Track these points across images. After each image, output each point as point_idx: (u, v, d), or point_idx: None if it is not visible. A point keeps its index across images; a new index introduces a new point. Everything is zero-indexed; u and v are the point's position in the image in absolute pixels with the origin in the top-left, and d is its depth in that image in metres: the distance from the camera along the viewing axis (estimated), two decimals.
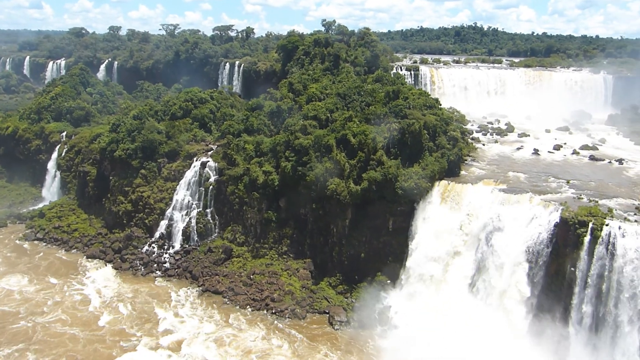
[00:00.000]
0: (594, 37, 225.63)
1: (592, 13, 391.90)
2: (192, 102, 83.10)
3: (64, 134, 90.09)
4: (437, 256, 55.24)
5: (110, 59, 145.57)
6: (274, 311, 58.21)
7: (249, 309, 58.89)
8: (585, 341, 46.17)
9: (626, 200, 51.74)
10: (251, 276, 63.08)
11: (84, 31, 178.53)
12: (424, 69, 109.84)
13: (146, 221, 71.91)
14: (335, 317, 56.58)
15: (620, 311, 44.76)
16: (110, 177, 75.97)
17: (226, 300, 60.68)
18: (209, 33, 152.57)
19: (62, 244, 73.95)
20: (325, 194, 60.16)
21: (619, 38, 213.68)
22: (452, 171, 60.83)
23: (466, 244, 54.33)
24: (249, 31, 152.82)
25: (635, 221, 45.93)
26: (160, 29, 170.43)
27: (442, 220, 55.94)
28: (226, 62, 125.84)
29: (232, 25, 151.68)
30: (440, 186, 58.28)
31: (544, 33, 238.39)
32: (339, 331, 55.26)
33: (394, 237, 59.42)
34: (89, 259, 69.93)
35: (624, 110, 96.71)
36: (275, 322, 56.72)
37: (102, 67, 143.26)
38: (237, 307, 59.32)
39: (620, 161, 67.16)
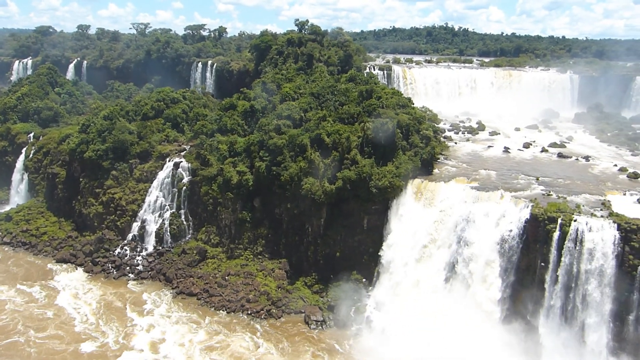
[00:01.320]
0: (560, 37, 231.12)
1: (559, 14, 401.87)
2: (164, 102, 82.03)
3: (32, 135, 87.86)
4: (412, 253, 55.76)
5: (79, 59, 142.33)
6: (249, 312, 57.92)
7: (224, 311, 58.43)
8: (555, 334, 47.31)
9: (593, 196, 53.15)
10: (226, 277, 62.61)
11: (51, 30, 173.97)
12: (396, 69, 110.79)
13: (118, 223, 70.64)
14: (311, 316, 56.62)
15: (587, 305, 46.03)
16: (81, 179, 74.38)
17: (201, 302, 60.09)
18: (181, 32, 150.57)
19: (30, 248, 72.09)
20: (300, 193, 60.14)
21: (584, 39, 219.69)
22: (425, 169, 61.48)
23: (440, 241, 54.96)
24: (221, 30, 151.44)
25: (602, 216, 47.25)
26: (130, 28, 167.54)
27: (416, 218, 56.53)
28: (199, 62, 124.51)
29: (205, 25, 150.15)
30: (413, 184, 58.88)
31: (513, 33, 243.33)
32: (315, 331, 55.33)
33: (368, 235, 59.77)
34: (59, 263, 68.34)
35: (589, 109, 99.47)
36: (251, 323, 56.42)
37: (71, 66, 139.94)
38: (212, 309, 58.81)
39: (586, 158, 68.97)
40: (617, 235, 45.19)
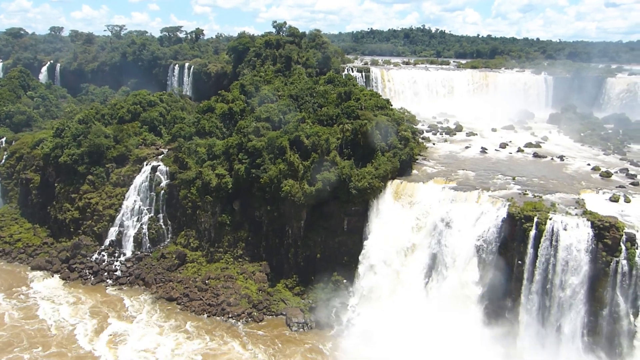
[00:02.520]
0: (535, 39, 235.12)
1: (533, 17, 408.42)
2: (141, 105, 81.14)
3: (4, 139, 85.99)
4: (392, 254, 56.10)
5: (52, 61, 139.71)
6: (230, 316, 57.56)
7: (205, 315, 57.95)
8: (533, 329, 48.14)
9: (567, 195, 54.24)
10: (206, 281, 62.12)
11: (22, 32, 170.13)
12: (374, 71, 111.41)
13: (95, 228, 69.50)
14: (292, 318, 56.53)
15: (563, 301, 46.96)
16: (55, 184, 72.99)
17: (181, 306, 59.52)
18: (157, 34, 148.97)
19: (4, 255, 70.51)
20: (280, 195, 60.04)
21: (558, 41, 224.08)
22: (404, 170, 61.94)
23: (419, 241, 55.43)
24: (198, 32, 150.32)
25: (576, 215, 48.26)
26: (105, 30, 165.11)
27: (396, 219, 56.91)
28: (175, 64, 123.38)
29: (181, 27, 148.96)
30: (392, 185, 59.27)
31: (489, 35, 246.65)
32: (296, 333, 55.25)
33: (349, 236, 59.96)
34: (34, 270, 66.93)
35: (563, 110, 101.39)
36: (233, 326, 56.07)
37: (44, 69, 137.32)
38: (193, 313, 58.28)
39: (561, 158, 70.34)
40: (591, 233, 46.21)
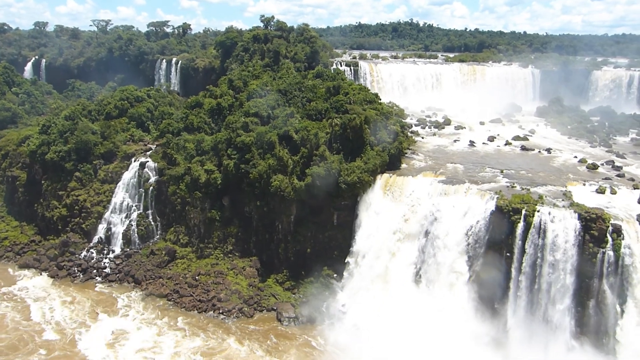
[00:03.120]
0: (521, 33, 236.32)
1: (520, 10, 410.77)
2: (128, 101, 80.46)
3: None
4: (382, 248, 56.34)
5: (37, 57, 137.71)
6: (221, 311, 57.50)
7: (196, 311, 57.82)
8: (522, 320, 48.70)
9: (555, 187, 54.81)
10: (196, 277, 61.97)
11: (6, 27, 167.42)
12: (363, 65, 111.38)
13: (83, 226, 68.94)
14: (283, 313, 56.63)
15: (551, 292, 47.54)
16: (42, 181, 72.23)
17: (172, 303, 59.31)
18: (144, 29, 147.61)
19: None
20: (269, 190, 59.95)
21: (544, 34, 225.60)
22: (393, 164, 62.12)
23: (409, 235, 55.70)
24: (185, 27, 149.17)
25: (563, 207, 48.79)
26: (91, 25, 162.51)
27: (385, 213, 57.11)
28: (163, 59, 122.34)
29: (168, 21, 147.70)
30: (382, 179, 59.44)
31: (476, 29, 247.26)
32: (287, 327, 55.37)
33: (339, 231, 60.09)
34: (22, 269, 66.23)
35: (550, 102, 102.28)
36: (223, 322, 56.02)
37: (29, 65, 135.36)
38: (183, 309, 58.13)
39: (548, 150, 71.00)
40: (578, 225, 46.79)
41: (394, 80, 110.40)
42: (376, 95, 74.38)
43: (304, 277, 60.52)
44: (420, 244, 54.69)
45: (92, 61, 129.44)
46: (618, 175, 59.85)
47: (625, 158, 68.57)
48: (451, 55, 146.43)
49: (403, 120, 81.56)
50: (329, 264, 59.89)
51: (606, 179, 58.34)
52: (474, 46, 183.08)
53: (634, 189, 54.53)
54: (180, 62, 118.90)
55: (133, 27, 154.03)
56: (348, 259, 58.48)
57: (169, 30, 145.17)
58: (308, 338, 53.51)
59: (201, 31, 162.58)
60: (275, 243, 62.64)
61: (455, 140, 76.47)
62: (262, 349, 51.94)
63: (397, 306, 52.85)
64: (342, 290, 58.31)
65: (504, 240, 49.71)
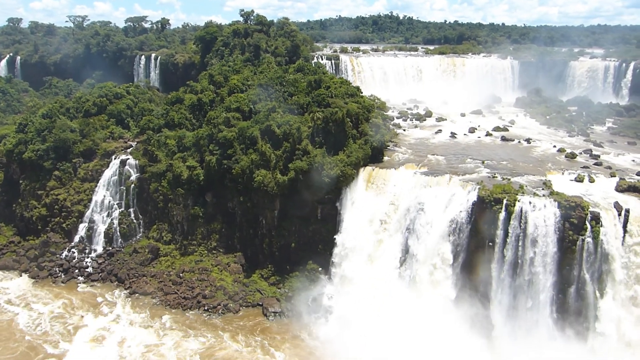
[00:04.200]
0: (500, 24, 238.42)
1: (498, 2, 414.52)
2: (107, 98, 79.36)
3: None
4: (366, 240, 56.61)
5: (11, 54, 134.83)
6: (206, 308, 57.31)
7: (181, 308, 57.53)
8: (505, 309, 49.43)
9: (535, 177, 55.59)
10: (181, 274, 61.62)
11: None
12: (344, 58, 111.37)
13: (64, 225, 67.93)
14: (269, 308, 56.65)
15: (533, 279, 48.35)
16: (20, 181, 70.90)
17: (156, 301, 58.88)
18: (122, 25, 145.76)
19: None
20: (253, 186, 59.76)
21: (522, 26, 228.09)
22: (375, 157, 62.31)
23: (392, 227, 56.03)
24: (164, 22, 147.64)
25: (544, 196, 49.55)
26: (67, 21, 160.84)
27: (369, 206, 57.35)
28: (142, 55, 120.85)
29: (146, 16, 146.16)
30: (365, 172, 59.64)
31: (456, 21, 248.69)
32: (273, 322, 55.43)
33: (323, 225, 60.18)
34: (1, 270, 64.99)
35: (529, 93, 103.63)
36: (209, 319, 55.84)
37: (3, 62, 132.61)
38: (168, 307, 57.77)
39: (528, 140, 71.93)
40: (558, 213, 47.55)
41: (375, 74, 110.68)
42: (358, 88, 74.47)
43: (289, 272, 60.57)
44: (404, 236, 55.04)
45: (69, 58, 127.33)
46: (596, 164, 60.99)
47: (602, 147, 69.84)
48: (431, 47, 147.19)
49: (385, 113, 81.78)
50: (313, 258, 60.00)
51: (584, 167, 59.35)
52: (453, 38, 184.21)
53: (611, 177, 55.61)
54: (159, 57, 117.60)
55: (110, 22, 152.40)
56: (333, 253, 58.65)
57: (147, 25, 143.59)
58: (294, 332, 53.62)
59: (180, 26, 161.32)
60: (260, 238, 62.54)
61: (436, 132, 77.00)
62: (249, 344, 51.89)
63: (382, 298, 53.23)
64: (327, 283, 58.50)
65: (486, 230, 50.28)
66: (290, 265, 60.72)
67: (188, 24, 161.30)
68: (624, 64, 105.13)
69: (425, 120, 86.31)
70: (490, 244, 49.88)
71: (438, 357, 47.11)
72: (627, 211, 47.15)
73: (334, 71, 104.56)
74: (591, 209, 47.30)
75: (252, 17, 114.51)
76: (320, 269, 59.63)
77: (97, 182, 68.45)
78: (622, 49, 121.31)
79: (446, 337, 48.50)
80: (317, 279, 59.11)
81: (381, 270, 55.55)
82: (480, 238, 50.77)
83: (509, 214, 48.71)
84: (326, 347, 50.90)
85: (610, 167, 59.42)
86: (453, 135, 74.67)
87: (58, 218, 68.17)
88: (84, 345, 51.01)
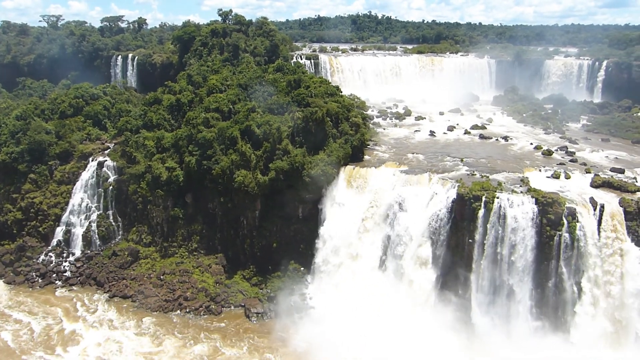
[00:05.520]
0: (477, 24, 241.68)
1: (475, 2, 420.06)
2: (83, 99, 78.13)
3: None
4: (347, 239, 56.79)
5: None
6: (187, 310, 56.84)
7: (162, 311, 56.89)
8: (485, 304, 50.10)
9: (512, 174, 56.46)
10: (161, 277, 60.97)
11: None
12: (323, 58, 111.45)
13: (40, 229, 66.63)
14: (251, 309, 56.43)
15: (512, 275, 49.11)
16: None
17: (137, 304, 58.15)
18: (97, 24, 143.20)
19: None
20: (233, 186, 59.43)
21: (499, 25, 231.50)
22: (356, 156, 62.56)
23: (373, 226, 56.37)
24: (141, 22, 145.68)
25: (521, 192, 50.36)
26: (40, 21, 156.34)
27: (350, 204, 57.56)
28: (118, 55, 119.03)
29: (123, 16, 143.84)
30: (345, 171, 59.82)
31: (434, 21, 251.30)
32: (256, 323, 55.21)
33: (304, 224, 60.18)
34: None
35: (506, 91, 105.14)
36: (190, 321, 55.35)
37: None
38: (149, 310, 57.09)
39: (505, 138, 72.97)
40: (535, 209, 48.40)
41: (355, 73, 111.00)
42: (337, 87, 74.63)
43: (271, 272, 60.42)
44: (385, 234, 55.40)
45: (43, 58, 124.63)
46: (571, 161, 62.17)
47: (577, 144, 71.21)
48: (410, 47, 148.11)
49: (364, 112, 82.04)
50: (295, 257, 59.97)
51: (560, 164, 60.48)
52: (431, 38, 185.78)
53: (586, 173, 56.80)
54: (136, 57, 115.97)
55: (86, 22, 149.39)
56: (314, 252, 58.69)
57: (123, 25, 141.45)
58: (277, 332, 53.43)
59: (157, 26, 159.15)
60: (241, 239, 62.25)
61: (416, 131, 77.60)
62: (231, 345, 51.61)
63: (364, 296, 53.49)
64: (309, 283, 58.55)
65: (466, 226, 50.90)
66: (272, 265, 60.57)
67: (165, 24, 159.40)
68: (597, 63, 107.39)
69: (404, 119, 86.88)
70: (470, 240, 50.50)
71: (419, 353, 47.53)
72: (602, 207, 48.22)
73: (313, 71, 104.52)
74: (567, 204, 48.26)
75: (231, 17, 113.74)
76: (302, 268, 59.63)
77: (74, 185, 67.33)
78: (595, 48, 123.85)
79: (427, 334, 48.98)
80: (299, 278, 59.09)
81: (363, 268, 55.86)
82: (460, 235, 51.38)
83: (488, 210, 49.37)
84: (309, 346, 50.87)
85: (585, 164, 60.66)
86: (432, 133, 75.32)
87: (34, 222, 66.84)
88: (60, 350, 50.08)
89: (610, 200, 49.45)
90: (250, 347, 51.44)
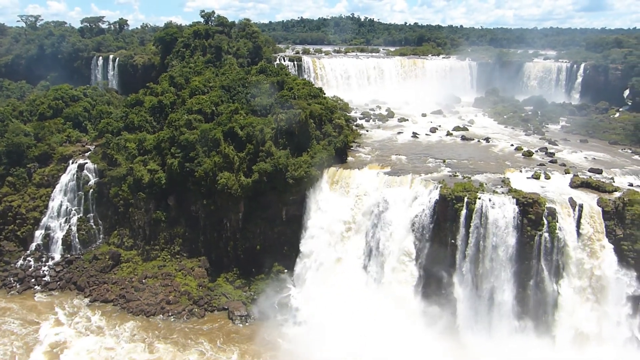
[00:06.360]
0: (458, 26, 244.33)
1: (456, 5, 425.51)
2: (63, 100, 77.02)
3: None
4: (331, 241, 56.85)
5: None
6: (170, 314, 56.25)
7: (144, 315, 56.23)
8: (468, 303, 50.52)
9: (494, 175, 57.09)
10: (143, 280, 60.30)
11: None
12: (306, 59, 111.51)
13: (18, 233, 65.41)
14: (235, 312, 56.10)
15: (494, 275, 49.63)
16: None
17: (118, 308, 57.41)
18: (77, 25, 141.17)
19: None
20: (216, 188, 59.07)
21: (480, 28, 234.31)
22: (339, 158, 62.67)
23: (357, 227, 56.50)
24: (122, 23, 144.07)
25: (503, 193, 50.95)
26: (18, 21, 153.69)
27: (333, 206, 57.58)
28: (99, 56, 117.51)
29: (103, 17, 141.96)
30: (329, 173, 59.85)
31: (416, 23, 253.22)
32: (240, 326, 54.91)
33: (288, 226, 60.05)
34: None
35: (487, 93, 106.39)
36: (173, 325, 54.81)
37: None
38: (131, 314, 56.39)
39: (487, 139, 73.78)
40: (516, 209, 49.00)
41: (338, 75, 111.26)
42: (320, 89, 74.66)
43: (254, 275, 60.15)
44: (369, 235, 55.57)
45: (21, 59, 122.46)
46: (551, 161, 63.12)
47: (557, 145, 72.33)
48: (392, 49, 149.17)
49: (348, 114, 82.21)
50: (279, 259, 59.80)
51: (540, 165, 61.36)
52: (413, 40, 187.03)
53: (566, 173, 57.70)
54: (117, 59, 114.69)
55: (65, 23, 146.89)
56: (298, 254, 58.58)
57: (104, 26, 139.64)
58: (260, 335, 53.20)
59: (139, 27, 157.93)
60: (224, 241, 61.88)
61: (399, 133, 78.02)
62: (213, 347, 51.23)
63: (348, 297, 53.49)
64: (293, 285, 58.41)
65: (448, 227, 51.32)
66: (256, 267, 60.30)
67: (147, 25, 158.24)
68: (575, 65, 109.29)
69: (387, 120, 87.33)
70: (453, 241, 50.93)
71: (403, 354, 47.72)
72: (581, 207, 49.02)
73: (296, 72, 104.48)
74: (548, 205, 48.95)
75: (213, 18, 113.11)
76: (286, 270, 59.48)
77: (54, 188, 66.30)
78: (573, 51, 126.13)
79: (411, 335, 49.24)
80: (283, 280, 58.92)
81: (347, 269, 55.90)
82: (443, 235, 51.77)
83: (470, 211, 49.84)
84: (294, 348, 50.76)
85: (564, 164, 61.63)
86: (415, 135, 75.81)
87: (12, 225, 65.56)
88: (40, 357, 49.11)
89: (589, 200, 50.30)
90: (241, 351, 50.96)
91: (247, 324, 55.36)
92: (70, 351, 50.13)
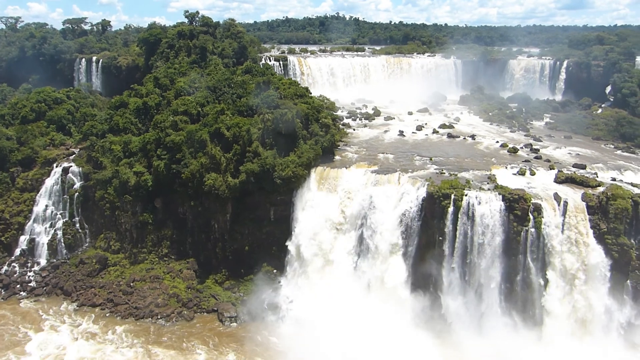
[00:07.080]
0: (443, 25, 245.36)
1: (440, 3, 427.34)
2: (46, 103, 76.07)
3: None
4: (320, 240, 56.81)
5: None
6: (159, 317, 55.87)
7: (133, 319, 55.79)
8: (457, 300, 50.98)
9: (480, 172, 57.58)
10: (131, 284, 59.81)
11: None
12: (292, 59, 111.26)
13: (2, 239, 64.48)
14: (224, 313, 55.90)
15: (481, 270, 50.07)
16: None
17: (106, 312, 56.88)
18: (59, 27, 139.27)
19: None
20: (203, 190, 58.74)
21: (464, 26, 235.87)
22: (326, 157, 62.67)
23: (345, 226, 56.59)
24: (105, 24, 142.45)
25: (489, 189, 51.40)
26: None
27: (321, 205, 57.59)
28: (82, 58, 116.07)
29: (86, 18, 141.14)
30: (316, 172, 59.85)
31: (401, 22, 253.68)
32: (229, 327, 54.71)
33: (276, 226, 59.94)
34: None
35: (472, 91, 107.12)
36: (162, 327, 54.44)
37: None
38: (119, 318, 55.93)
39: (472, 137, 74.37)
40: (503, 205, 49.52)
41: (324, 74, 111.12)
42: (306, 89, 74.61)
43: (243, 276, 59.99)
44: (357, 234, 55.70)
45: (1, 62, 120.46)
46: (536, 158, 63.82)
47: (541, 141, 73.17)
48: (378, 47, 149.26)
49: (334, 113, 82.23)
50: (268, 260, 59.69)
51: (526, 161, 62.02)
52: (399, 39, 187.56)
53: (550, 169, 58.41)
54: (101, 60, 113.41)
55: (47, 24, 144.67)
56: (287, 254, 58.51)
57: (87, 27, 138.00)
58: (250, 335, 53.09)
59: (122, 28, 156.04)
60: (212, 243, 61.60)
61: (385, 131, 78.27)
62: (204, 349, 51.01)
63: (338, 296, 53.56)
64: (282, 285, 58.32)
65: (436, 224, 51.68)
66: (245, 268, 60.14)
67: (130, 26, 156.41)
68: (558, 63, 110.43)
69: (374, 119, 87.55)
70: (440, 237, 51.30)
71: (393, 350, 47.93)
72: (566, 202, 49.64)
73: (282, 72, 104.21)
74: (533, 200, 49.52)
75: (198, 19, 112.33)
76: (275, 270, 59.39)
77: (38, 192, 65.46)
78: (556, 49, 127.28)
79: (401, 332, 49.48)
80: (272, 281, 58.83)
81: (336, 268, 55.99)
82: (431, 233, 52.12)
83: (457, 208, 50.25)
84: (286, 348, 50.74)
85: (549, 160, 62.36)
86: (401, 133, 76.12)
87: None
88: None
89: (573, 195, 50.96)
90: (236, 352, 50.76)
91: (236, 325, 55.17)
92: (70, 357, 49.48)
